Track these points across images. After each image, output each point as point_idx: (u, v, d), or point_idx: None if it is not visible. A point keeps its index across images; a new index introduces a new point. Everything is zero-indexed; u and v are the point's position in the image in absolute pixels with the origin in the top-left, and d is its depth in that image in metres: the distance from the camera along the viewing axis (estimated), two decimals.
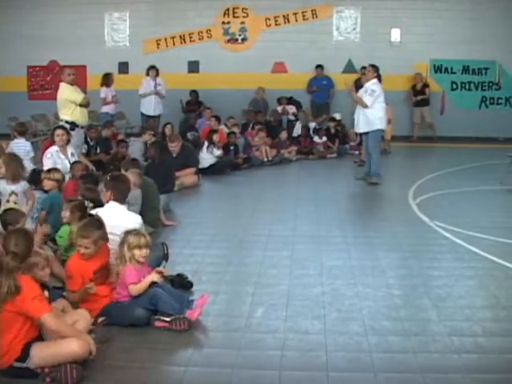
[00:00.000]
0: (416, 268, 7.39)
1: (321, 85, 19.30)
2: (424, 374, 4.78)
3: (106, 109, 16.35)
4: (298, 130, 17.31)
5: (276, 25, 19.94)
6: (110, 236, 6.35)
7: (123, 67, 19.83)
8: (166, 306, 5.70)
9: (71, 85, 12.10)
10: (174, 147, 12.67)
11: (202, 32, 20.09)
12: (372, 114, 12.57)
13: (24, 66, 20.58)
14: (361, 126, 12.90)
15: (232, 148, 14.84)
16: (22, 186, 8.61)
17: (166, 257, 6.89)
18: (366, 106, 12.56)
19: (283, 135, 16.44)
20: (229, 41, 20.21)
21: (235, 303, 6.37)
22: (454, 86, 19.60)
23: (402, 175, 13.74)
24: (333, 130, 16.99)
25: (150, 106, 16.46)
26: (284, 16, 19.83)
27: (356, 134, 16.37)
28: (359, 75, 17.33)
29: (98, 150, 13.66)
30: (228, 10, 20.01)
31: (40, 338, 4.83)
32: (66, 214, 7.12)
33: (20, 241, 4.81)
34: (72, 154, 10.60)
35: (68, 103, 11.96)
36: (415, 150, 17.72)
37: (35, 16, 19.84)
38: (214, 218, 10.32)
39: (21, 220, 6.62)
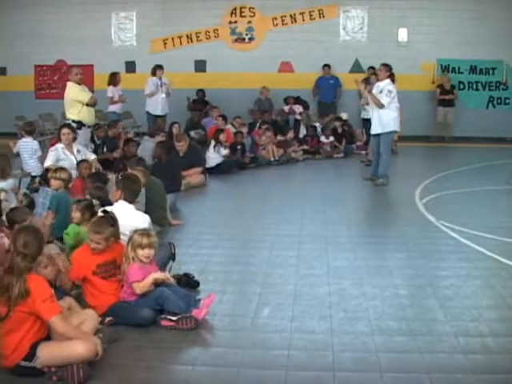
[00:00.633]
0: (422, 268, 7.38)
1: (327, 84, 19.27)
2: (430, 374, 4.78)
3: (112, 108, 16.36)
4: (303, 130, 17.29)
5: (283, 24, 19.92)
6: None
7: (130, 67, 19.84)
8: (173, 305, 5.72)
9: (78, 84, 12.14)
10: (181, 147, 12.69)
11: (208, 31, 20.09)
12: (386, 115, 12.51)
13: (31, 66, 20.61)
14: (373, 128, 12.85)
15: (239, 147, 14.84)
16: (11, 183, 8.65)
17: (173, 256, 6.90)
18: (382, 107, 12.51)
19: (290, 135, 16.44)
20: (236, 40, 20.19)
21: (242, 303, 6.38)
22: (462, 86, 19.55)
23: (408, 175, 13.69)
24: (340, 130, 16.97)
25: (158, 106, 16.45)
26: (291, 16, 19.82)
27: (362, 133, 16.43)
28: (367, 75, 17.30)
29: (105, 149, 13.67)
30: (235, 9, 20.00)
31: (48, 337, 4.85)
32: (75, 214, 7.14)
33: (30, 240, 4.80)
34: (78, 151, 10.61)
35: (75, 102, 11.99)
36: (422, 150, 17.70)
37: (42, 15, 19.85)
38: (221, 217, 10.33)
39: (27, 218, 6.63)
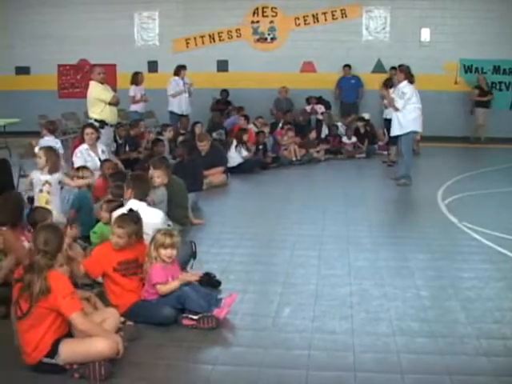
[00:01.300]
0: (444, 269, 7.35)
1: (349, 84, 19.21)
2: (452, 376, 4.76)
3: (135, 107, 16.39)
4: (325, 130, 17.26)
5: (305, 24, 19.89)
6: None
7: (152, 66, 19.89)
8: (194, 304, 5.73)
9: (101, 83, 12.19)
10: (203, 146, 12.72)
11: (231, 31, 20.10)
12: (404, 116, 12.48)
13: (54, 65, 20.72)
14: (393, 129, 12.84)
15: (261, 147, 14.85)
16: (57, 177, 8.71)
17: (194, 255, 6.91)
18: (397, 110, 12.51)
19: (312, 135, 16.42)
20: (258, 40, 20.18)
21: (263, 302, 6.38)
22: None
23: (431, 176, 13.62)
24: (362, 130, 16.92)
25: (182, 105, 16.47)
26: (313, 15, 19.77)
27: (384, 133, 16.36)
28: (389, 75, 17.24)
29: (127, 149, 13.72)
30: (257, 9, 19.99)
31: (70, 333, 4.88)
32: (104, 214, 7.19)
33: (50, 238, 4.84)
34: (102, 151, 10.66)
35: (98, 102, 12.05)
36: (445, 151, 17.58)
37: (66, 15, 19.99)
38: (243, 216, 10.34)
39: (48, 218, 6.67)
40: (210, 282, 6.62)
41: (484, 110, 18.82)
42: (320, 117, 18.26)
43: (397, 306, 6.19)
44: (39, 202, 8.17)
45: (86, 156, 10.43)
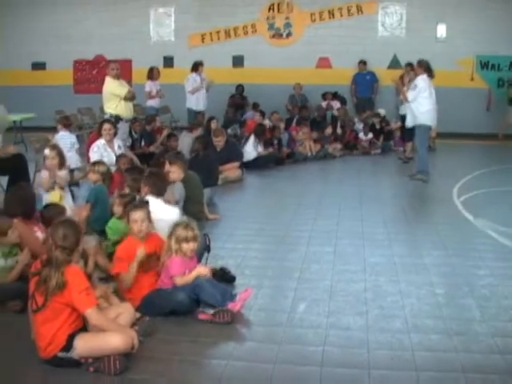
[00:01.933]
0: (460, 266, 7.32)
1: (364, 80, 19.18)
2: (466, 374, 4.74)
3: (150, 103, 16.46)
4: (339, 126, 17.23)
5: (321, 20, 19.88)
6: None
7: (168, 62, 19.94)
8: (209, 296, 5.76)
9: (116, 79, 12.22)
10: (219, 142, 12.75)
11: (246, 27, 20.11)
12: (416, 108, 12.46)
13: (70, 61, 20.83)
14: (407, 122, 12.87)
15: (276, 142, 14.85)
16: (66, 173, 8.79)
17: (207, 248, 6.90)
18: (406, 100, 12.53)
19: (327, 130, 16.40)
20: (273, 36, 20.19)
21: (278, 298, 6.38)
22: (501, 83, 19.31)
23: (446, 172, 13.58)
24: (377, 126, 16.89)
25: (200, 102, 16.47)
26: (329, 11, 19.76)
27: (398, 125, 16.34)
28: (404, 71, 17.18)
29: (143, 144, 13.76)
30: (273, 5, 20.00)
31: (85, 328, 4.90)
32: (118, 208, 7.22)
33: (68, 233, 4.85)
34: (119, 147, 10.71)
35: (113, 97, 12.09)
36: (460, 148, 17.52)
37: (81, 11, 20.11)
38: (258, 212, 10.34)
39: (63, 214, 6.70)
40: (224, 277, 6.62)
41: None
42: (336, 113, 18.25)
43: (412, 303, 6.17)
44: (52, 199, 8.17)
45: (103, 151, 10.48)
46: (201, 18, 20.01)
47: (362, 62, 19.16)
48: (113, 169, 9.46)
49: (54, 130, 12.44)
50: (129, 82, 14.87)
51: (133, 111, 12.79)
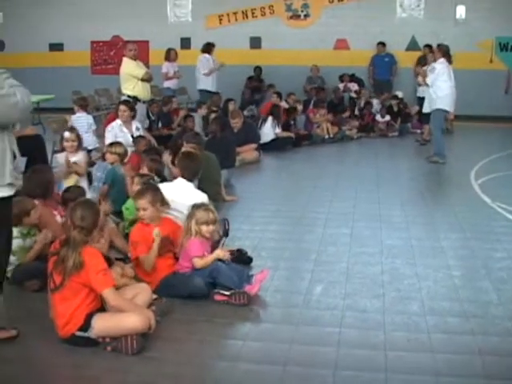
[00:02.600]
0: (477, 249, 7.30)
1: (382, 62, 19.05)
2: (483, 357, 4.73)
3: (167, 84, 16.47)
4: (359, 105, 17.18)
5: (339, 1, 19.74)
6: (174, 212, 6.45)
7: (185, 43, 19.89)
8: (226, 279, 5.77)
9: (133, 60, 12.23)
10: (236, 123, 12.76)
11: (264, 8, 20.02)
12: (434, 92, 12.41)
13: (88, 41, 20.84)
14: (425, 106, 12.84)
15: (292, 123, 14.82)
16: (81, 156, 8.85)
17: (226, 232, 6.93)
18: (426, 85, 12.46)
19: (345, 113, 16.35)
20: (291, 17, 20.09)
21: (294, 279, 6.40)
22: None
23: (464, 155, 13.52)
24: (395, 108, 16.80)
25: (214, 83, 16.44)
26: None
27: (417, 111, 16.26)
28: (423, 53, 17.08)
29: (160, 125, 13.78)
30: None
31: (103, 308, 4.94)
32: (135, 188, 7.24)
33: (86, 214, 4.88)
34: (137, 129, 10.73)
35: (130, 78, 12.10)
36: (478, 130, 17.42)
37: None
38: (275, 193, 10.35)
39: (82, 196, 6.73)
40: (241, 258, 6.64)
41: None
42: (353, 94, 18.18)
43: (428, 286, 6.16)
44: (68, 183, 8.20)
45: (118, 131, 10.49)
46: None
47: (381, 44, 19.00)
48: (130, 150, 9.48)
49: (72, 111, 12.47)
50: (146, 63, 14.86)
51: (150, 92, 12.79)
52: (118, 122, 10.63)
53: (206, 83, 16.33)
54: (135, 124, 10.80)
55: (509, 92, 19.05)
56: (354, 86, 18.56)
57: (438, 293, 6.01)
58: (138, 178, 7.48)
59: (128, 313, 4.84)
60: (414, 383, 4.44)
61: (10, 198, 4.77)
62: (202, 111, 14.25)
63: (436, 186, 11.17)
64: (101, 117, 15.10)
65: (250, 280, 5.85)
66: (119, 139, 9.92)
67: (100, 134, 11.62)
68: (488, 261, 6.90)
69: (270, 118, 14.04)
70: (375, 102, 17.36)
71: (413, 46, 19.06)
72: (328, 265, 6.76)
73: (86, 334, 4.82)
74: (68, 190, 7.09)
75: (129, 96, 11.97)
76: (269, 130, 13.88)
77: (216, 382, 4.54)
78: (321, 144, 14.86)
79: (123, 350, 4.74)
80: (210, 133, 11.50)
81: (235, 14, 20.13)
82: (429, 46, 16.36)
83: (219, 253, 5.98)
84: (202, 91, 16.45)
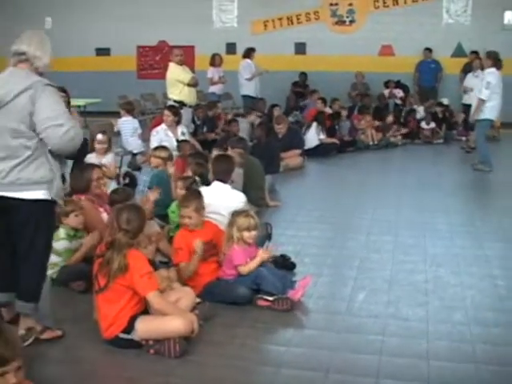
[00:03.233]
0: None
1: (428, 68, 18.89)
2: None
3: (213, 89, 16.55)
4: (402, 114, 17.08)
5: (384, 7, 19.65)
6: (214, 215, 6.48)
7: (231, 48, 19.96)
8: (270, 285, 5.78)
9: (180, 65, 12.32)
10: (281, 129, 12.78)
11: (309, 14, 20.01)
12: (483, 103, 12.27)
13: (134, 46, 21.04)
14: (471, 115, 12.71)
15: (336, 127, 14.79)
16: (110, 158, 8.97)
17: (269, 237, 6.95)
18: (483, 101, 12.27)
19: (390, 119, 16.26)
20: (336, 23, 20.04)
21: (337, 286, 6.39)
22: None
23: (510, 163, 13.36)
24: (440, 115, 16.66)
25: (256, 88, 16.49)
26: None
27: (463, 118, 16.10)
28: (469, 59, 16.93)
29: (205, 130, 13.86)
30: None
31: (146, 311, 4.98)
32: (180, 192, 7.30)
33: (132, 217, 4.94)
34: (183, 133, 10.81)
35: (176, 83, 12.20)
36: None
37: None
38: (318, 199, 10.33)
39: (129, 198, 6.80)
40: (284, 264, 6.64)
41: None
42: (398, 101, 18.08)
43: (472, 295, 6.10)
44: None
45: (163, 136, 10.58)
46: (264, 4, 19.95)
47: (428, 50, 18.82)
48: (174, 154, 9.55)
49: (118, 115, 12.61)
50: (191, 68, 14.95)
51: (196, 97, 12.87)
52: (163, 126, 10.73)
53: (249, 88, 16.39)
54: (181, 128, 10.88)
55: None
56: (399, 93, 18.44)
57: (482, 302, 5.95)
58: (181, 183, 7.53)
59: (171, 316, 4.87)
60: None
61: (49, 202, 4.85)
62: (252, 117, 14.26)
63: (481, 194, 11.06)
64: (146, 121, 15.24)
65: (293, 286, 5.85)
66: (164, 143, 10.00)
67: (145, 138, 11.73)
68: None
69: (314, 124, 14.03)
70: (419, 108, 17.22)
71: (459, 52, 18.88)
72: (371, 272, 6.74)
73: (129, 336, 4.87)
74: (116, 191, 7.17)
75: (175, 101, 12.06)
76: (313, 136, 13.86)
77: None
78: (365, 150, 14.80)
79: (166, 352, 4.78)
80: (255, 138, 11.54)
81: (280, 19, 20.15)
82: (475, 53, 16.22)
83: (262, 256, 5.99)
84: (245, 96, 16.53)
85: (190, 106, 12.64)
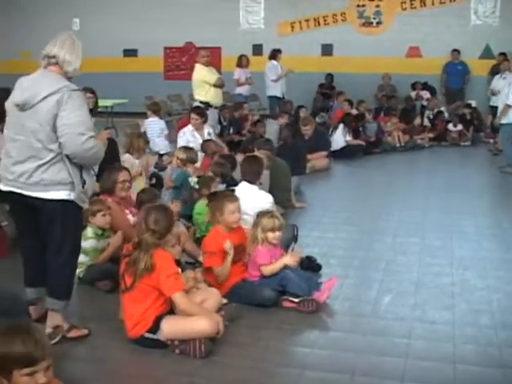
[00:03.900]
0: None
1: (455, 70, 18.77)
2: None
3: (239, 90, 16.58)
4: (428, 115, 16.96)
5: (412, 8, 19.56)
6: (242, 215, 6.47)
7: (257, 49, 19.98)
8: (295, 287, 5.77)
9: (206, 66, 12.35)
10: (307, 130, 12.76)
11: (336, 15, 19.97)
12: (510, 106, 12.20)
13: (161, 47, 21.14)
14: (497, 118, 12.63)
15: (361, 129, 14.75)
16: (144, 159, 9.05)
17: (295, 238, 6.95)
18: (509, 106, 12.17)
19: (417, 121, 16.18)
20: (363, 24, 19.98)
21: (363, 288, 6.36)
22: None
23: None
24: (468, 117, 16.54)
25: (282, 89, 16.49)
26: None
27: (491, 121, 15.98)
28: (497, 61, 16.81)
29: (231, 131, 13.88)
30: None
31: (172, 311, 5.00)
32: (204, 191, 7.34)
33: (160, 218, 4.95)
34: (209, 134, 10.85)
35: (203, 84, 12.22)
36: None
37: None
38: (344, 201, 10.30)
39: (156, 200, 6.83)
40: (310, 265, 6.63)
41: None
42: (425, 103, 17.99)
43: (499, 299, 6.04)
44: (139, 186, 8.28)
45: (190, 136, 10.63)
46: (290, 5, 19.96)
47: (456, 51, 18.70)
48: (201, 155, 9.59)
49: (144, 115, 12.67)
50: (218, 69, 14.99)
51: (222, 98, 12.89)
52: (190, 127, 10.78)
53: (275, 90, 16.42)
54: (207, 129, 10.93)
55: None
56: (426, 94, 18.34)
57: (509, 306, 5.89)
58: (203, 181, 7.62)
59: (197, 317, 4.88)
60: None
61: (73, 202, 4.89)
62: (283, 120, 14.22)
63: (508, 197, 10.94)
64: (172, 122, 15.29)
65: (319, 287, 5.84)
66: (190, 144, 10.05)
67: (172, 139, 11.77)
68: None
69: (341, 126, 14.01)
70: (444, 109, 17.12)
71: (487, 54, 18.75)
72: (397, 274, 6.71)
73: (154, 336, 4.89)
74: (143, 191, 7.20)
75: (201, 102, 12.09)
76: (339, 138, 13.84)
77: None
78: (391, 152, 14.74)
79: (191, 353, 4.79)
80: (281, 139, 11.54)
81: (307, 21, 20.13)
82: (503, 54, 16.10)
83: (286, 259, 5.98)
84: (271, 97, 16.57)
85: (216, 107, 12.66)
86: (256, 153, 8.80)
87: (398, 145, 15.10)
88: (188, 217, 7.62)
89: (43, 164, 4.74)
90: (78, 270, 6.20)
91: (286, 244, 6.61)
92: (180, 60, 21.21)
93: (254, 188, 7.27)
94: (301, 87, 17.33)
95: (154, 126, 12.01)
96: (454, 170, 13.01)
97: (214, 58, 14.56)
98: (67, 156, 4.76)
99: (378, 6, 19.75)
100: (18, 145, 4.81)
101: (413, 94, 18.40)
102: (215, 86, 12.22)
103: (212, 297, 5.39)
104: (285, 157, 9.71)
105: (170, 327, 4.88)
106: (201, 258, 6.62)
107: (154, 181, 9.16)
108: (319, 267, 6.70)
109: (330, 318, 5.68)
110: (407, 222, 8.76)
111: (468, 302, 5.96)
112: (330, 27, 20.04)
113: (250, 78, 16.55)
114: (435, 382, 4.52)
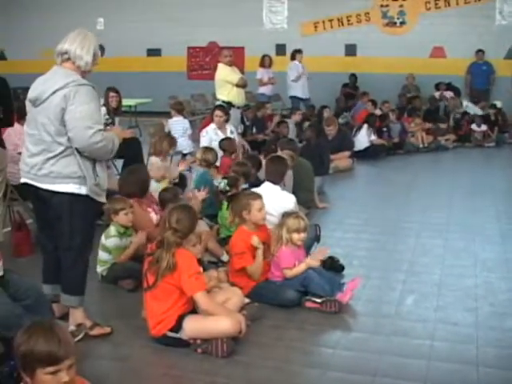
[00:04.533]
0: None
1: (480, 70, 18.64)
2: None
3: (262, 90, 16.57)
4: (454, 116, 16.86)
5: (436, 8, 19.45)
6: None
7: (281, 49, 19.96)
8: (318, 288, 5.76)
9: (229, 66, 12.35)
10: (331, 130, 12.76)
11: (359, 15, 19.91)
12: None
13: (184, 47, 21.19)
14: None
15: (385, 130, 14.70)
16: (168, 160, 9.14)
17: (317, 238, 6.93)
18: None
19: (443, 125, 16.08)
20: (387, 24, 19.90)
21: (386, 289, 6.33)
22: None
23: None
24: (493, 118, 16.42)
25: (304, 89, 16.47)
26: None
27: None
28: None
29: (254, 131, 13.88)
30: None
31: (194, 310, 5.01)
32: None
33: (182, 217, 4.96)
34: (231, 132, 10.86)
35: (225, 83, 12.21)
36: None
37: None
38: (367, 202, 10.27)
39: (177, 198, 6.85)
40: (333, 266, 6.62)
41: None
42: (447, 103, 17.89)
43: None
44: (163, 185, 8.30)
45: (213, 135, 10.64)
46: (314, 5, 19.93)
47: (481, 51, 18.56)
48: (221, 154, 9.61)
49: (167, 115, 12.69)
50: (241, 69, 14.99)
51: (244, 98, 12.89)
52: (213, 126, 10.78)
53: (296, 90, 16.38)
54: (229, 127, 10.94)
55: None
56: (450, 95, 18.23)
57: None
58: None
59: (219, 316, 4.89)
60: None
61: (82, 196, 4.91)
62: (296, 117, 14.32)
63: None
64: (196, 122, 15.32)
65: (342, 288, 5.83)
66: (214, 143, 10.06)
67: (195, 139, 11.79)
68: None
69: (365, 126, 13.97)
70: (469, 105, 17.00)
71: None
72: (420, 276, 6.67)
73: (177, 335, 4.90)
74: (165, 190, 7.23)
75: (223, 101, 12.09)
76: (363, 138, 13.81)
77: None
78: (415, 153, 14.68)
79: (213, 352, 4.80)
80: (305, 139, 11.54)
81: (331, 21, 20.09)
82: None
83: (310, 262, 5.97)
84: (292, 98, 16.54)
85: (239, 107, 12.66)
86: (279, 153, 8.79)
87: (421, 145, 15.03)
88: (211, 216, 7.63)
89: (53, 157, 4.82)
90: (101, 269, 6.27)
91: (309, 244, 6.60)
92: (203, 60, 21.25)
93: (277, 188, 7.27)
94: (324, 87, 17.29)
95: (177, 126, 12.02)
96: (477, 171, 12.93)
97: (237, 57, 14.57)
98: (78, 150, 4.80)
99: (401, 6, 19.65)
100: (33, 139, 4.91)
101: (437, 94, 18.29)
102: (237, 85, 12.21)
103: (235, 296, 5.40)
104: (308, 157, 9.71)
105: (193, 326, 4.89)
106: (224, 258, 6.64)
107: (177, 180, 9.18)
108: (342, 268, 6.69)
109: (353, 319, 5.67)
110: (430, 223, 8.71)
111: (491, 305, 5.92)
112: (354, 27, 19.98)
113: (273, 77, 16.54)
114: None
